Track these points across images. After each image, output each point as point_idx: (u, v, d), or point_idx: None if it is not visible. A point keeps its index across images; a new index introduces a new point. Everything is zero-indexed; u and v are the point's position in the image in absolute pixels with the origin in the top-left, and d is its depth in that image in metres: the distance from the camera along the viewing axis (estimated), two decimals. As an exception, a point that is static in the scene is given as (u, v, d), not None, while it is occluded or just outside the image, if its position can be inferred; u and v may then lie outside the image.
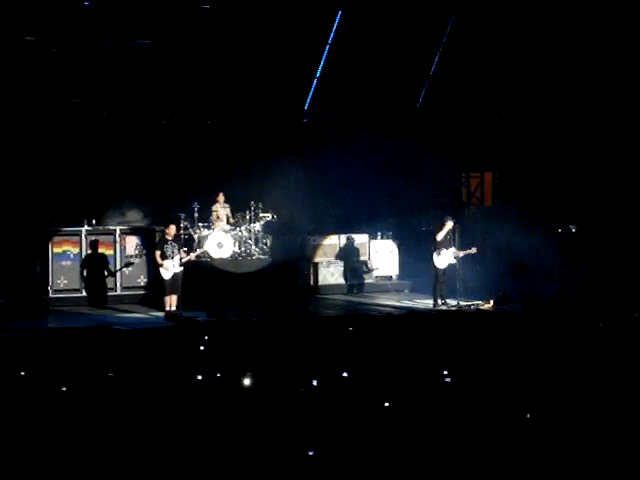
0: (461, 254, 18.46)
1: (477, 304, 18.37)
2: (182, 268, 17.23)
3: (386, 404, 9.77)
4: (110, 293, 19.17)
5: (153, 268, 18.35)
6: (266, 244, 20.79)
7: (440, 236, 18.29)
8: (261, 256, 20.47)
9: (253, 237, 20.61)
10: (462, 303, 18.41)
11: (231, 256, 20.15)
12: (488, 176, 24.24)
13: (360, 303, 19.63)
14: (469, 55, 22.10)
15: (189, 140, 21.84)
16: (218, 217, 20.49)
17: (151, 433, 8.90)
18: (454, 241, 18.55)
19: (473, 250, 18.66)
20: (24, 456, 8.19)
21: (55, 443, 8.55)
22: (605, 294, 18.66)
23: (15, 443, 8.54)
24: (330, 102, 23.06)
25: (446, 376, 11.14)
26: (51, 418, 9.37)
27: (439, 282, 18.45)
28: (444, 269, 18.39)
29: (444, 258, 18.32)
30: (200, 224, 20.23)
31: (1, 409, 9.67)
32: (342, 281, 21.17)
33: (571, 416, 9.27)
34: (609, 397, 10.00)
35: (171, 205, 20.70)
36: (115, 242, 19.33)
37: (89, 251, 19.11)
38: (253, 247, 20.53)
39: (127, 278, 19.35)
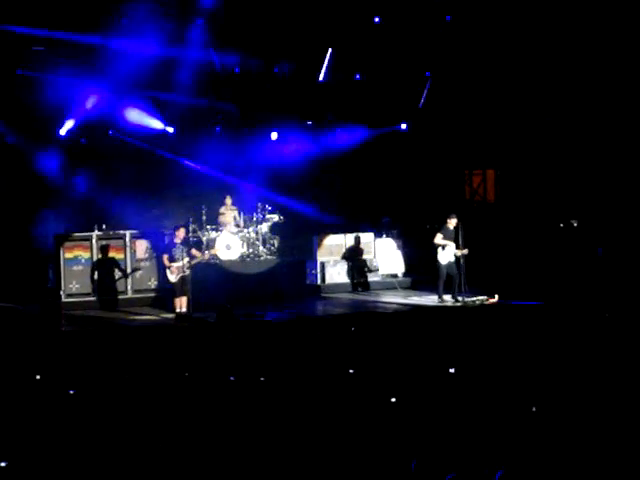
0: (458, 253, 18.77)
1: (482, 299, 18.66)
2: (190, 270, 17.56)
3: (393, 399, 10.00)
4: (121, 296, 19.41)
5: (163, 271, 18.65)
6: (274, 245, 21.10)
7: (439, 237, 18.61)
8: (269, 257, 20.79)
9: (261, 238, 20.93)
10: (467, 299, 18.71)
11: (239, 257, 20.47)
12: (490, 173, 24.42)
13: (367, 301, 19.86)
14: (468, 53, 22.21)
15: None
16: (226, 219, 20.82)
17: (160, 435, 9.06)
18: (458, 238, 18.86)
19: (465, 251, 18.88)
20: (33, 459, 8.39)
21: (64, 446, 8.70)
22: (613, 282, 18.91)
23: (25, 446, 8.70)
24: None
25: (452, 371, 11.35)
26: (62, 421, 9.57)
27: (443, 278, 18.76)
28: (448, 265, 18.70)
29: (446, 255, 18.64)
30: (208, 227, 20.57)
31: (13, 412, 9.91)
32: (348, 280, 21.49)
33: (577, 410, 9.41)
34: (614, 391, 10.13)
35: (180, 208, 21.08)
36: (125, 246, 19.58)
37: (100, 256, 19.40)
38: (261, 248, 20.84)
39: (137, 281, 19.61)
